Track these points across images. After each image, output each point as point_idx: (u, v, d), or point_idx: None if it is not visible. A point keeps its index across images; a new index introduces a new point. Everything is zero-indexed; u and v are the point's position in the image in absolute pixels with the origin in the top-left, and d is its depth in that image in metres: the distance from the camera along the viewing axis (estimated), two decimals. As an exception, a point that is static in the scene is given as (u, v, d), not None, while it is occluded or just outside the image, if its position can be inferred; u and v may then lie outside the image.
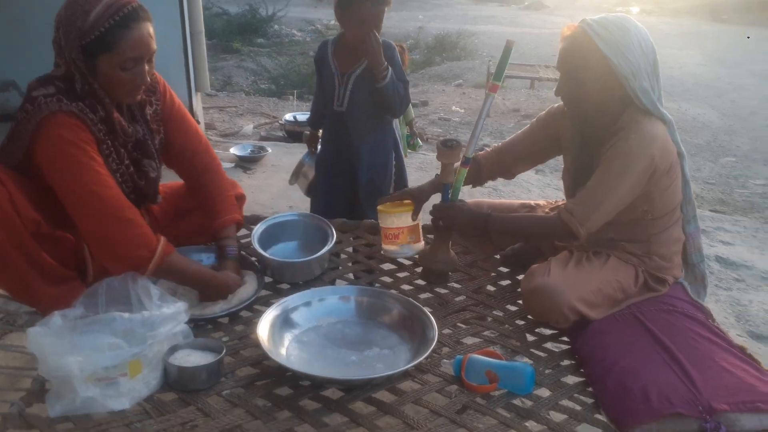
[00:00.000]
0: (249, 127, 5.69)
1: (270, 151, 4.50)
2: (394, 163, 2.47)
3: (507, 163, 2.02)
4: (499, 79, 1.75)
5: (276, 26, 13.45)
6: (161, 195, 1.97)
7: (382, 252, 2.01)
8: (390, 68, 2.22)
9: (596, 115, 1.70)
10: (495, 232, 1.85)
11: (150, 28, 1.54)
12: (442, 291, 1.88)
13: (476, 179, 2.04)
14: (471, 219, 1.80)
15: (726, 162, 6.08)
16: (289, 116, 5.39)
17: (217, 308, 1.68)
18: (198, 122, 4.93)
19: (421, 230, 2.00)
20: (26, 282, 1.56)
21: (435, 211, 1.87)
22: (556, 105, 1.88)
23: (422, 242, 2.00)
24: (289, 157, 4.59)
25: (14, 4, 4.34)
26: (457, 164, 1.84)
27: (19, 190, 1.52)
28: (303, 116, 5.28)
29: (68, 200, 1.53)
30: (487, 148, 2.05)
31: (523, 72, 8.15)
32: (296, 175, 2.73)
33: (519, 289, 1.91)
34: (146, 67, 1.56)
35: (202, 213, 1.93)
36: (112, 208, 1.53)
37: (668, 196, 1.67)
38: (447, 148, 1.79)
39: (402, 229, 1.94)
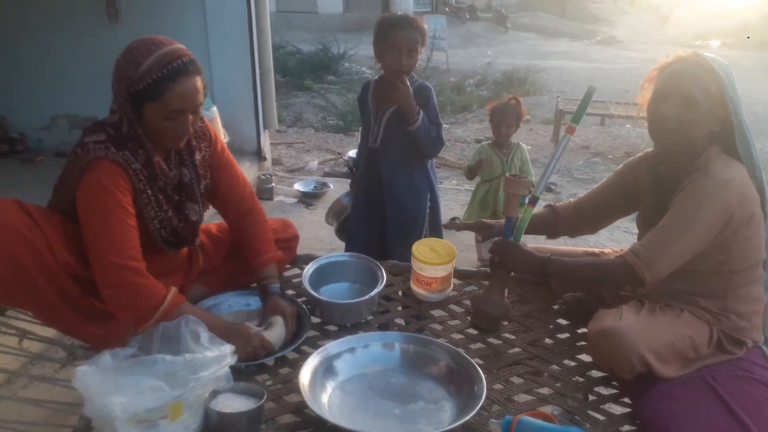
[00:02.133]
0: (314, 163, 5.80)
1: (332, 187, 4.56)
2: (428, 204, 2.45)
3: (585, 216, 1.95)
4: (577, 121, 1.72)
5: (346, 64, 13.80)
6: (215, 232, 2.02)
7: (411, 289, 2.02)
8: (421, 112, 2.23)
9: (680, 150, 1.61)
10: (554, 275, 1.76)
11: (198, 82, 1.59)
12: (495, 342, 1.80)
13: (552, 230, 1.99)
14: (529, 259, 1.73)
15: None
16: (352, 152, 5.46)
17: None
18: (265, 158, 5.10)
19: (452, 277, 2.01)
20: (69, 322, 1.60)
21: (493, 247, 1.81)
22: (632, 157, 1.86)
23: (451, 287, 2.02)
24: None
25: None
26: (524, 199, 1.82)
27: (55, 233, 1.57)
28: (366, 153, 5.34)
29: (87, 242, 1.56)
30: (560, 197, 1.98)
31: (594, 109, 7.92)
32: (330, 214, 2.76)
33: (579, 343, 1.80)
34: (190, 118, 1.62)
35: (242, 257, 1.95)
36: (122, 256, 1.53)
37: (749, 249, 1.55)
38: (514, 177, 1.79)
39: (436, 278, 1.94)
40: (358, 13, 20.69)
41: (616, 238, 4.24)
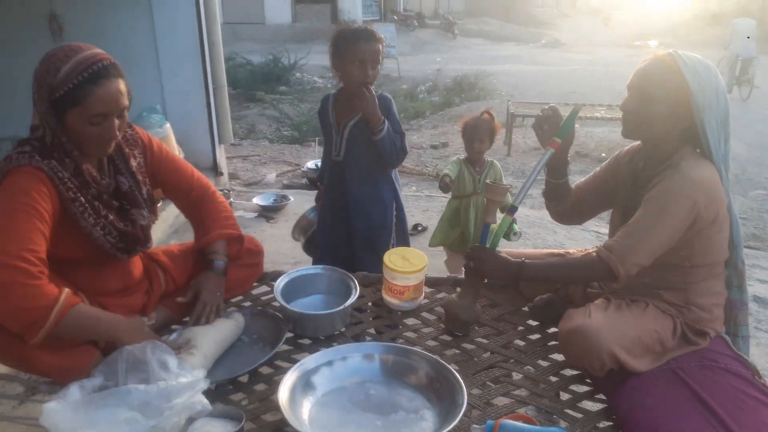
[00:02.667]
0: (272, 176, 5.74)
1: (292, 199, 4.52)
2: (394, 213, 2.46)
3: (577, 203, 1.96)
4: (560, 137, 1.75)
5: (298, 74, 13.75)
6: (176, 252, 1.99)
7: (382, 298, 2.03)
8: (386, 121, 2.24)
9: (653, 146, 1.66)
10: (529, 279, 1.77)
11: (121, 85, 1.56)
12: (469, 347, 1.82)
13: (563, 202, 1.96)
14: (504, 265, 1.74)
15: (756, 195, 5.92)
16: (311, 164, 5.44)
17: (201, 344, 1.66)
18: (221, 173, 5.02)
19: (423, 285, 2.02)
20: (20, 353, 1.51)
21: (469, 252, 1.82)
22: (620, 150, 1.89)
23: (423, 295, 2.03)
24: (311, 204, 4.60)
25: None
26: (502, 206, 1.84)
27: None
28: (324, 163, 5.32)
29: None
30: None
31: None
32: (296, 230, 2.73)
33: (550, 343, 1.84)
34: (116, 122, 1.58)
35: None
36: (12, 257, 1.40)
37: (711, 248, 1.60)
38: (494, 184, 1.85)
39: (408, 287, 1.95)
40: (307, 23, 20.67)
41: (573, 236, 4.35)
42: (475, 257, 1.79)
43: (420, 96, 11.93)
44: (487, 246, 1.82)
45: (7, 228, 1.45)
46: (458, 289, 2.03)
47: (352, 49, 2.19)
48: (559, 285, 1.92)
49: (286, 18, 21.05)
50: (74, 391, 1.36)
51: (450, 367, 1.56)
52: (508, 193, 2.02)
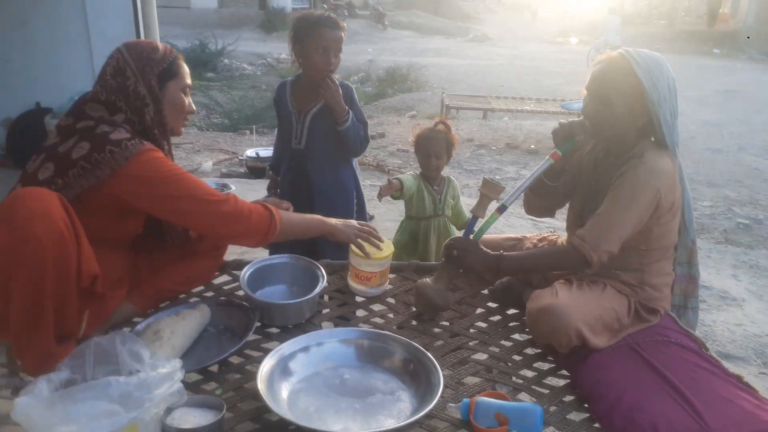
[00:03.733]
0: (208, 164, 5.59)
1: (233, 188, 4.40)
2: (355, 201, 2.48)
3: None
4: (562, 151, 1.81)
5: (226, 60, 13.38)
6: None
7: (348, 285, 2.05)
8: (350, 111, 2.25)
9: (614, 141, 1.76)
10: (508, 270, 1.84)
11: None
12: (436, 330, 1.87)
13: (549, 196, 1.99)
14: (484, 257, 1.81)
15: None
16: (250, 152, 5.34)
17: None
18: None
19: (389, 272, 2.06)
20: (40, 336, 1.49)
21: (454, 241, 1.87)
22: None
23: (387, 281, 2.07)
24: (253, 194, 4.52)
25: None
26: (494, 204, 1.89)
27: (86, 242, 1.54)
28: (266, 152, 5.23)
29: (180, 203, 1.64)
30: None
31: (477, 103, 8.34)
32: None
33: (511, 324, 1.92)
34: None
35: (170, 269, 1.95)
36: (217, 195, 1.70)
37: (665, 233, 1.72)
38: (493, 181, 1.87)
39: (375, 273, 1.98)
40: (234, 8, 20.12)
41: (511, 223, 4.51)
42: (459, 248, 1.83)
43: (353, 86, 11.93)
44: (471, 238, 1.87)
45: (193, 179, 1.69)
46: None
47: (315, 35, 2.18)
48: (536, 274, 1.99)
49: (212, 3, 20.40)
50: (41, 385, 1.30)
51: (422, 348, 1.61)
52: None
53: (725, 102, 11.24)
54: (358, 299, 2.01)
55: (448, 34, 22.77)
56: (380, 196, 2.40)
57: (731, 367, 2.81)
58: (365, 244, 1.92)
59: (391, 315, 1.95)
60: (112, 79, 1.67)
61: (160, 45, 1.76)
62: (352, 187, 2.44)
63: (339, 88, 2.21)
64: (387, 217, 4.30)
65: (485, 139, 8.08)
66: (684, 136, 8.61)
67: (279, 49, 15.55)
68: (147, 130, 1.71)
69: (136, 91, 1.67)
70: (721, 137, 8.60)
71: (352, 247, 1.96)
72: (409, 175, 2.54)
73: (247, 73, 13.02)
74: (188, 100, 1.81)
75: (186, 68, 1.79)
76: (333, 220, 1.94)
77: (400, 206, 3.07)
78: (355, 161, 2.49)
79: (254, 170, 5.18)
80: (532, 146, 7.60)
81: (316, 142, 2.32)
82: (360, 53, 15.97)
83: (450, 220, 2.60)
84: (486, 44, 21.02)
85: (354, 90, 2.35)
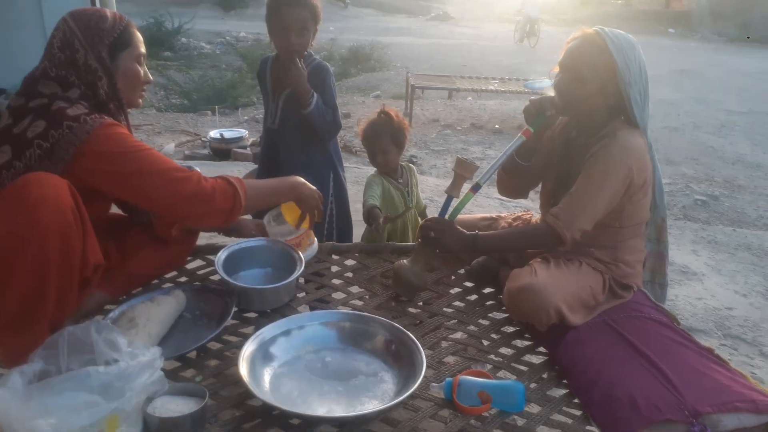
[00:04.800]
0: (171, 146, 5.45)
1: (198, 170, 4.32)
2: (332, 184, 2.43)
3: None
4: (534, 128, 1.82)
5: (183, 39, 13.03)
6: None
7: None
8: (315, 95, 2.20)
9: (585, 119, 1.77)
10: (484, 250, 1.85)
11: None
12: (414, 311, 1.87)
13: (521, 176, 1.99)
14: (461, 237, 1.81)
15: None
16: (214, 133, 5.22)
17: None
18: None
19: (312, 235, 2.08)
20: (35, 325, 1.46)
21: (430, 221, 1.86)
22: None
23: (315, 240, 2.09)
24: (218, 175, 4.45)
25: None
26: (468, 184, 1.88)
27: (90, 229, 1.53)
28: (230, 133, 5.13)
29: (142, 181, 1.55)
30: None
31: (442, 83, 8.34)
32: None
33: (487, 303, 1.94)
34: None
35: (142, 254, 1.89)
36: (183, 171, 1.62)
37: (637, 210, 1.75)
38: (467, 161, 1.86)
39: (300, 237, 1.99)
40: (190, -16, 19.46)
41: (480, 203, 4.55)
42: (435, 228, 1.83)
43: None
44: (446, 218, 1.87)
45: (158, 155, 1.60)
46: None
47: (275, 14, 2.14)
48: (511, 253, 2.00)
49: (167, -22, 19.69)
50: (15, 378, 1.25)
51: (405, 330, 1.61)
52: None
53: (680, 81, 11.52)
54: (335, 281, 2.00)
55: (410, 13, 22.65)
56: (377, 232, 2.25)
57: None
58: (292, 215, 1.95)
59: (368, 297, 1.95)
60: (60, 52, 1.58)
61: (109, 13, 1.66)
62: (328, 170, 2.39)
63: (302, 70, 2.15)
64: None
65: (450, 119, 8.12)
66: (642, 115, 8.85)
67: (238, 28, 15.20)
68: (102, 105, 1.62)
69: (87, 64, 1.59)
70: (677, 116, 8.83)
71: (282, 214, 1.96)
72: (370, 186, 2.37)
73: (206, 53, 12.71)
74: (143, 69, 1.72)
75: (139, 36, 1.70)
76: (306, 187, 1.88)
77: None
78: (335, 147, 2.45)
79: (218, 152, 5.08)
80: (497, 126, 7.66)
81: (289, 123, 2.27)
82: (321, 32, 15.52)
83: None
84: (448, 23, 21.01)
85: (329, 72, 2.30)
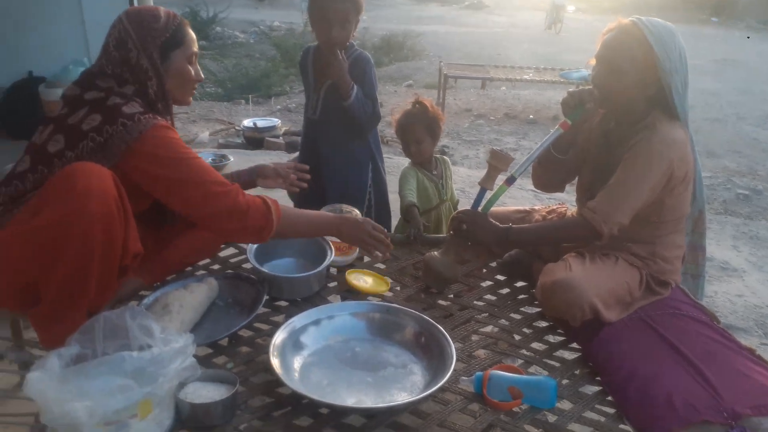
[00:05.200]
0: (205, 135, 5.51)
1: (232, 159, 4.37)
2: (370, 176, 2.42)
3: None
4: (572, 119, 1.78)
5: (218, 28, 13.14)
6: None
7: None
8: (355, 87, 2.19)
9: (623, 111, 1.72)
10: (517, 243, 1.83)
11: None
12: (444, 303, 1.86)
13: (558, 169, 1.96)
14: (494, 229, 1.79)
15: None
16: (248, 122, 5.26)
17: None
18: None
19: None
20: (75, 311, 1.50)
21: (463, 214, 1.85)
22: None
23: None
24: (251, 165, 4.48)
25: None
26: (502, 176, 1.86)
27: (134, 224, 1.57)
28: (263, 122, 5.16)
29: (182, 189, 1.58)
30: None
31: (475, 73, 8.23)
32: None
33: (520, 297, 1.91)
34: None
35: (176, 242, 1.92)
36: (224, 185, 1.61)
37: (678, 204, 1.70)
38: (501, 152, 1.83)
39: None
40: (225, -26, 19.60)
41: (513, 195, 4.49)
42: (468, 221, 1.81)
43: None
44: (479, 210, 1.85)
45: (202, 165, 1.61)
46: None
47: (317, 6, 2.13)
48: (545, 246, 1.96)
49: (203, -32, 19.88)
50: (53, 360, 1.28)
51: (433, 321, 1.60)
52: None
53: (724, 71, 11.17)
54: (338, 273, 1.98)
55: (444, 2, 22.38)
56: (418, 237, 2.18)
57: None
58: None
59: (398, 288, 1.94)
60: (115, 51, 1.62)
61: (163, 11, 1.67)
62: (367, 164, 2.38)
63: (344, 62, 2.14)
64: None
65: (484, 109, 8.02)
66: (682, 105, 8.60)
67: (272, 17, 15.27)
68: (151, 104, 1.65)
69: (139, 64, 1.62)
70: (719, 107, 8.56)
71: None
72: (405, 180, 2.34)
73: (240, 42, 12.79)
74: (195, 68, 1.74)
75: (192, 35, 1.72)
76: (347, 226, 1.77)
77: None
78: (376, 138, 2.44)
79: (252, 141, 5.12)
80: (531, 116, 7.54)
81: (330, 114, 2.27)
82: (355, 21, 15.71)
83: None
84: (482, 11, 20.72)
85: (371, 63, 2.28)
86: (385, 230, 1.78)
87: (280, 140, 5.17)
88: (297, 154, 2.68)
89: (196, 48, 1.72)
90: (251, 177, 2.11)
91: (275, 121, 5.44)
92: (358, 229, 1.75)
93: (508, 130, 6.97)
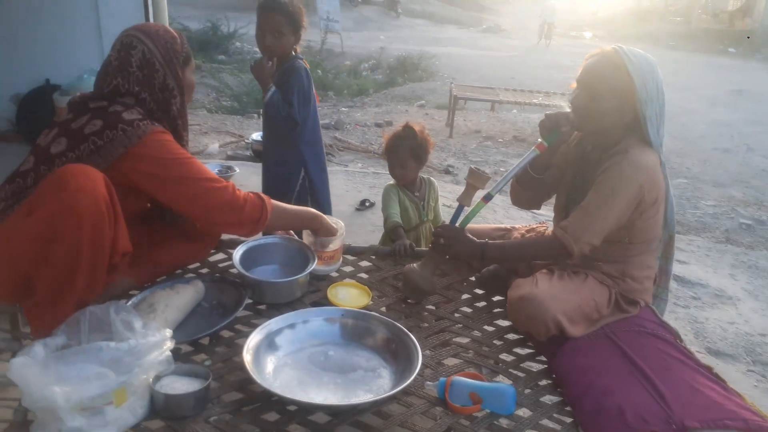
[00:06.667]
0: (215, 146, 5.65)
1: (238, 170, 4.48)
2: (300, 181, 2.65)
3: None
4: (548, 142, 1.85)
5: (238, 44, 13.39)
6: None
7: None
8: (273, 89, 2.44)
9: (599, 135, 1.79)
10: (492, 258, 1.89)
11: None
12: (422, 314, 1.92)
13: (535, 188, 2.02)
14: (470, 244, 1.86)
15: (678, 183, 6.35)
16: (256, 135, 5.37)
17: None
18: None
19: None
20: (64, 304, 1.57)
21: (441, 229, 1.92)
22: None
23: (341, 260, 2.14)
24: (256, 177, 4.56)
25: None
26: (480, 193, 1.94)
27: (124, 224, 1.65)
28: (270, 136, 5.26)
29: (180, 187, 1.70)
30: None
31: (485, 95, 8.34)
32: None
33: (495, 310, 1.97)
34: None
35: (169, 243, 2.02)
36: (220, 181, 1.76)
37: (648, 227, 1.75)
38: (479, 171, 1.91)
39: (335, 252, 2.07)
40: (248, -9, 20.00)
41: (511, 215, 4.54)
42: (446, 236, 1.88)
43: (363, 73, 11.93)
44: (457, 226, 1.92)
45: (199, 165, 1.74)
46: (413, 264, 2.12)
47: (257, 16, 2.43)
48: (518, 263, 2.02)
49: (226, -16, 20.30)
50: (38, 348, 1.37)
51: (404, 329, 1.66)
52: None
53: (738, 101, 11.16)
54: (348, 281, 2.06)
55: (461, 24, 22.66)
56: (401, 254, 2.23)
57: (720, 364, 2.88)
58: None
59: (378, 297, 2.00)
60: (139, 71, 1.72)
61: (173, 30, 1.81)
62: (298, 165, 2.63)
63: (268, 67, 2.42)
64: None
65: (492, 131, 8.10)
66: (693, 135, 8.61)
67: (291, 34, 15.53)
68: (172, 121, 1.79)
69: (165, 84, 1.75)
70: (730, 137, 8.56)
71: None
72: (388, 199, 2.41)
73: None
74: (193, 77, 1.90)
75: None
76: (325, 220, 2.02)
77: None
78: (313, 145, 2.65)
79: (258, 153, 5.22)
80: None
81: (266, 118, 2.61)
82: (372, 40, 15.93)
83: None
84: (499, 35, 20.93)
85: (301, 73, 2.49)
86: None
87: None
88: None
89: (194, 61, 1.89)
90: None
91: (283, 135, 5.55)
92: (329, 225, 2.02)
93: (515, 152, 7.04)
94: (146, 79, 1.72)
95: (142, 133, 1.65)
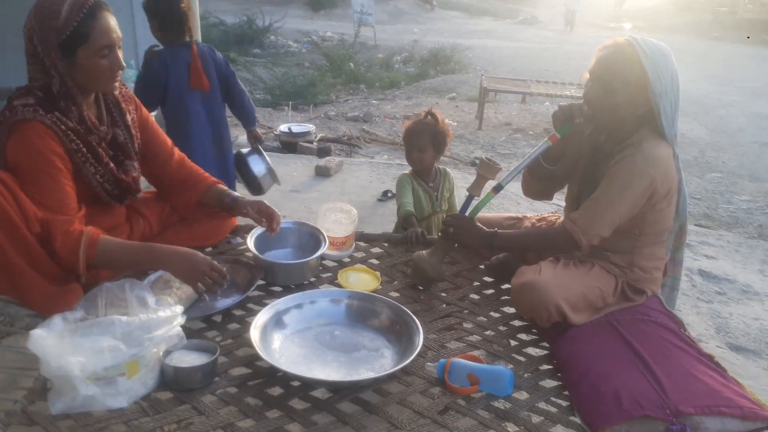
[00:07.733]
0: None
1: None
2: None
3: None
4: (561, 133, 1.84)
5: (272, 37, 13.57)
6: (151, 198, 2.11)
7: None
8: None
9: (613, 127, 1.78)
10: (501, 248, 1.91)
11: (113, 19, 1.66)
12: (430, 299, 1.96)
13: (547, 179, 2.02)
14: (480, 234, 1.89)
15: (712, 177, 6.20)
16: (283, 127, 5.48)
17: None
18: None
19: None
20: (26, 283, 1.61)
21: (451, 218, 1.95)
22: None
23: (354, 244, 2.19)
24: (283, 167, 4.68)
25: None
26: (490, 184, 1.96)
27: (24, 199, 1.59)
28: (298, 128, 5.36)
29: (28, 189, 1.60)
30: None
31: (515, 87, 8.26)
32: None
33: (502, 298, 1.99)
34: (120, 53, 1.68)
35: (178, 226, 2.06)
36: (53, 211, 1.61)
37: (659, 219, 1.75)
38: (490, 162, 1.92)
39: (348, 237, 2.12)
40: (283, -15, 20.21)
41: (535, 208, 4.52)
42: (455, 225, 1.91)
43: (395, 66, 11.94)
44: (467, 215, 1.94)
45: (41, 188, 1.61)
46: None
47: None
48: (527, 252, 2.03)
49: (262, -21, 20.55)
50: (57, 321, 1.45)
51: (409, 312, 1.70)
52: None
53: (781, 94, 10.78)
54: (359, 266, 2.11)
55: (497, 16, 22.41)
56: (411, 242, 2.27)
57: (741, 359, 2.83)
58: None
59: (387, 282, 2.05)
60: (29, 43, 1.62)
61: (67, 4, 1.57)
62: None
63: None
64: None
65: (523, 124, 8.03)
66: (732, 127, 8.38)
67: (325, 27, 15.66)
68: (55, 101, 1.64)
69: (42, 61, 1.62)
70: (771, 131, 8.29)
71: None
72: (401, 187, 2.46)
73: (292, 51, 13.18)
74: (111, 59, 1.64)
75: (104, 23, 1.61)
76: (172, 254, 1.68)
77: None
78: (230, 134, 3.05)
79: (286, 144, 5.33)
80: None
81: None
82: (405, 33, 15.92)
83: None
84: (535, 27, 20.64)
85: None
86: (224, 272, 1.71)
87: (313, 145, 5.36)
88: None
89: (112, 36, 1.62)
90: (235, 206, 2.06)
91: (310, 127, 5.64)
92: (194, 267, 1.66)
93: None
94: (32, 54, 1.62)
95: (13, 119, 1.59)
